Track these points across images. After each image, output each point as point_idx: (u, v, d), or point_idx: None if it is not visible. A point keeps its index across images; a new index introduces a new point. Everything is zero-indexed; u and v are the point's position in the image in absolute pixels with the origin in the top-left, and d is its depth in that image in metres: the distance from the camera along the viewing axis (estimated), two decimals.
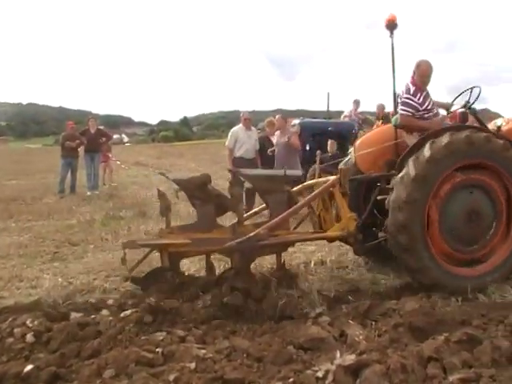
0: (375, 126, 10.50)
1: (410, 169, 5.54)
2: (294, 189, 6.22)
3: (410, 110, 6.26)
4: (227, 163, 11.50)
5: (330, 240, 6.38)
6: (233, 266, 5.58)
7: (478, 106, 6.70)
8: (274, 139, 11.19)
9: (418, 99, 6.28)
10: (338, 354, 3.82)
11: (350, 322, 4.49)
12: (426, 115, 6.34)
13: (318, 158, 11.75)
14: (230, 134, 11.49)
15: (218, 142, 36.96)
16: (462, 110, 6.73)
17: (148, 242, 5.67)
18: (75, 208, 12.81)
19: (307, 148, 12.77)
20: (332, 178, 6.07)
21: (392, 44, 6.28)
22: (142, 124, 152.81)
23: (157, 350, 3.78)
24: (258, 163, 11.24)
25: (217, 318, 4.63)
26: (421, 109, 6.29)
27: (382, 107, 13.17)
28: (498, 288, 5.56)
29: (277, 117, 11.43)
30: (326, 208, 6.26)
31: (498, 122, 6.79)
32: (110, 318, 4.43)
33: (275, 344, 4.01)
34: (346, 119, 14.29)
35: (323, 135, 12.70)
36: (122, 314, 4.45)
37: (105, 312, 4.67)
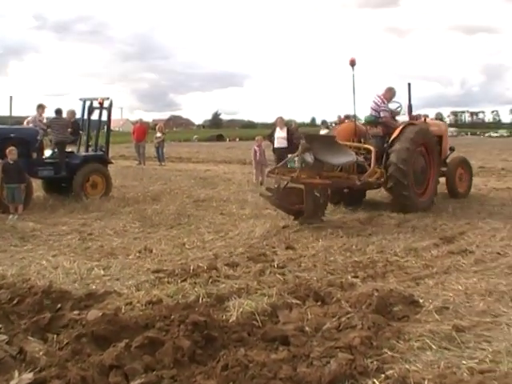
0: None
1: (403, 143, 10.58)
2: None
3: (388, 113, 11.55)
4: None
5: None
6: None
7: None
8: None
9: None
10: (17, 374, 3.60)
11: (30, 338, 4.25)
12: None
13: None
14: None
15: None
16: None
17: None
18: None
19: None
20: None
21: (353, 76, 10.96)
22: None
23: None
24: None
25: None
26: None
27: None
28: (181, 289, 5.69)
29: None
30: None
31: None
32: None
33: None
34: (31, 125, 13.54)
35: (5, 142, 11.87)
36: None
37: None
